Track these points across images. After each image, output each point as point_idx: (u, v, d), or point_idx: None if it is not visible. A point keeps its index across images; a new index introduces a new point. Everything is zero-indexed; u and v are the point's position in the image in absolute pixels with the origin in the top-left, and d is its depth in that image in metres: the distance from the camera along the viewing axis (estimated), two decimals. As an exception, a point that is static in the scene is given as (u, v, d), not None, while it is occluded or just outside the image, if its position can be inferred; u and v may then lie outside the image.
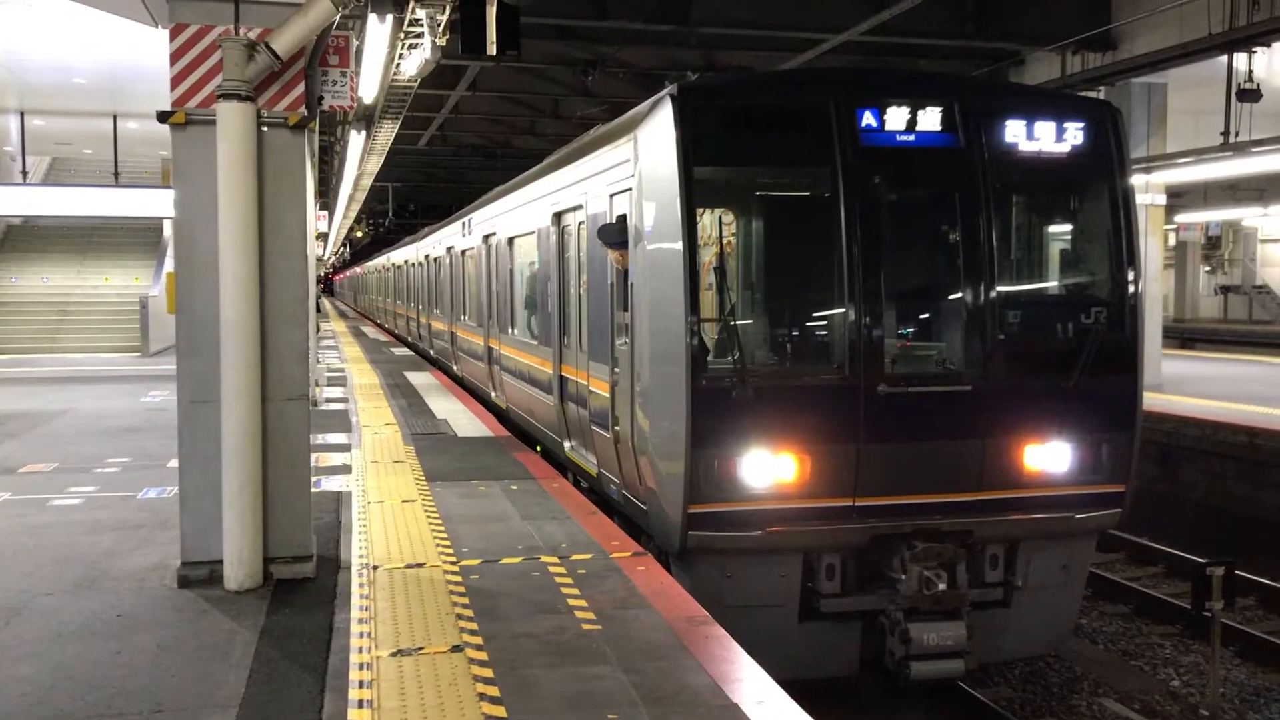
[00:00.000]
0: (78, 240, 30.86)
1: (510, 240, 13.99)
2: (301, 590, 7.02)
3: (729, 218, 8.26)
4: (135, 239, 31.05)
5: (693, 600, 6.60)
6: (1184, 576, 11.68)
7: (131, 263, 30.43)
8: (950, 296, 7.99)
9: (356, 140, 19.67)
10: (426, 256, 25.04)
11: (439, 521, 8.60)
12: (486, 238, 15.83)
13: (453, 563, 7.41)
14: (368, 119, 17.96)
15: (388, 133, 19.70)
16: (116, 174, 24.31)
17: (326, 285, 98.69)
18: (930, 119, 7.82)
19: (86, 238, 30.98)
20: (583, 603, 6.52)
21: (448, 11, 9.70)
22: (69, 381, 20.31)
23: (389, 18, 9.90)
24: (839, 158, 7.62)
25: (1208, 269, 46.50)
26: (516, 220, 13.45)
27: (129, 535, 8.45)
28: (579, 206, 9.97)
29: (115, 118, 21.19)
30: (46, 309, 28.49)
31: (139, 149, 25.20)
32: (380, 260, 43.62)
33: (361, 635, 5.99)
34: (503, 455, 11.68)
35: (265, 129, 7.03)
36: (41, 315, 28.19)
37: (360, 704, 5.08)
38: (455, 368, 20.25)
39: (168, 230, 29.13)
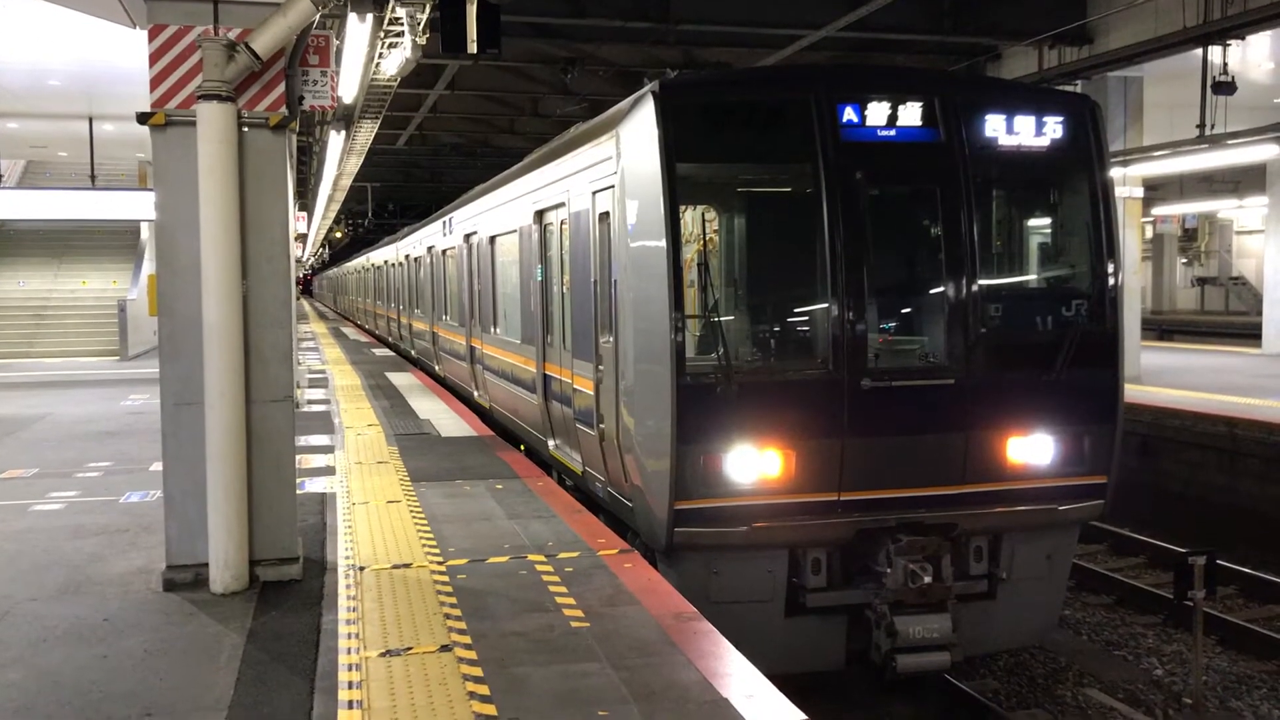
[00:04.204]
0: (54, 244, 30.63)
1: (492, 239, 13.96)
2: (288, 592, 7.00)
3: (711, 214, 8.27)
4: (113, 242, 30.84)
5: (680, 596, 6.62)
6: (1165, 566, 11.77)
7: (109, 266, 30.25)
8: (932, 290, 8.03)
9: (336, 140, 19.57)
10: (407, 256, 24.97)
11: (424, 522, 8.59)
12: (468, 237, 15.79)
13: (439, 563, 7.40)
14: (347, 119, 17.89)
15: (367, 132, 19.62)
16: (93, 176, 24.13)
17: (305, 286, 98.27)
18: (911, 114, 7.86)
19: (63, 241, 30.76)
20: (571, 600, 6.53)
21: (428, 10, 9.67)
22: (47, 386, 20.17)
23: (369, 17, 9.86)
24: (820, 153, 7.65)
25: (1184, 261, 46.89)
26: (498, 219, 13.43)
27: (113, 540, 8.41)
28: (561, 204, 9.96)
29: (91, 120, 21.02)
30: (23, 313, 28.28)
31: (115, 151, 25.02)
32: (360, 261, 43.45)
33: (350, 636, 5.97)
34: (487, 455, 11.67)
35: (246, 130, 7.00)
36: (18, 320, 27.98)
37: (350, 704, 5.07)
38: (437, 368, 20.20)
39: (145, 233, 28.96)
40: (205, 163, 6.76)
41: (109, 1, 9.21)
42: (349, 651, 5.74)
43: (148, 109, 6.99)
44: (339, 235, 63.53)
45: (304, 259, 60.55)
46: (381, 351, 28.79)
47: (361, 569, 7.28)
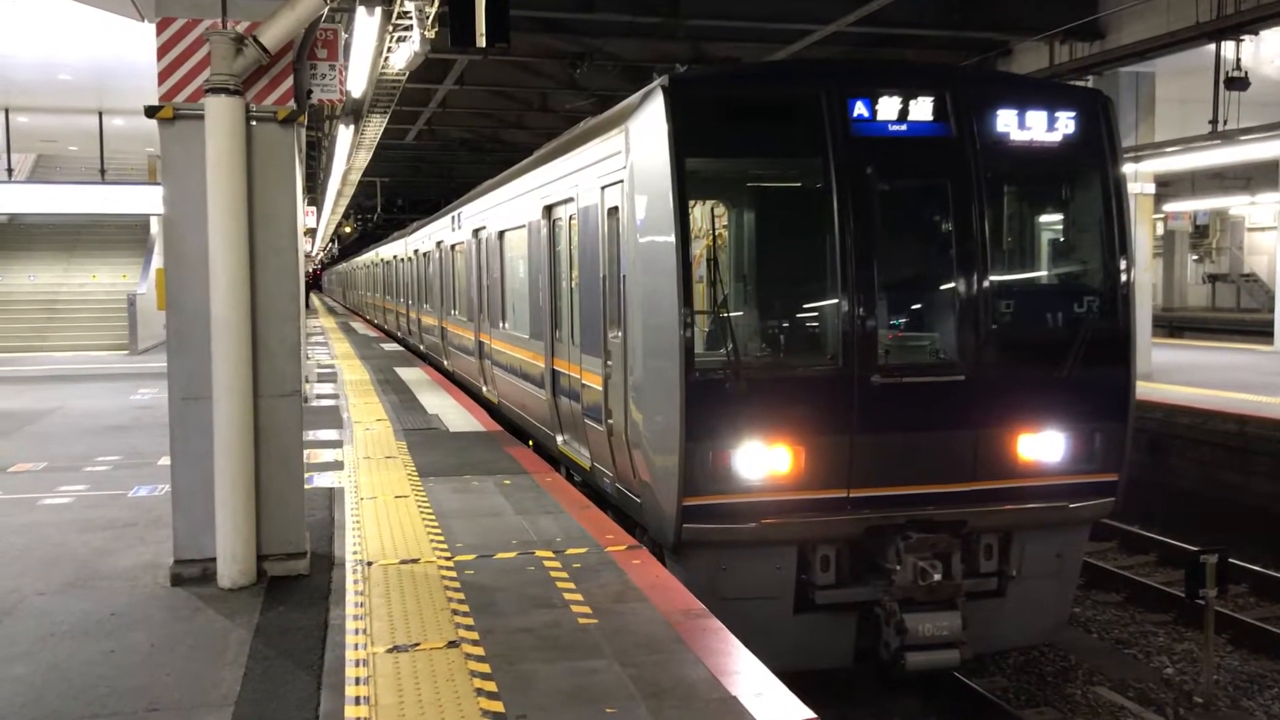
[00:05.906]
0: (64, 238, 30.70)
1: (501, 234, 13.95)
2: (295, 587, 6.98)
3: (721, 209, 8.23)
4: (122, 236, 30.90)
5: (688, 593, 6.59)
6: (1176, 564, 11.72)
7: (119, 260, 30.29)
8: (943, 286, 7.98)
9: (345, 135, 19.58)
10: (416, 251, 24.97)
11: (432, 517, 8.58)
12: (476, 232, 15.78)
13: (447, 558, 7.39)
14: (356, 113, 17.88)
15: (376, 127, 19.63)
16: (103, 171, 24.16)
17: (314, 281, 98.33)
18: (922, 109, 7.81)
19: (73, 235, 30.83)
20: (579, 597, 6.51)
21: (436, 4, 9.65)
22: (57, 380, 20.21)
23: (377, 10, 9.86)
24: (830, 148, 7.60)
25: (1195, 258, 46.63)
26: (507, 214, 13.40)
27: (121, 534, 8.40)
28: (570, 199, 9.94)
29: (101, 114, 21.05)
30: (34, 307, 28.34)
31: (125, 145, 25.04)
32: (369, 256, 43.50)
33: (357, 632, 5.96)
34: (495, 450, 11.65)
35: (254, 123, 6.97)
36: (29, 314, 28.05)
37: (357, 700, 5.06)
38: (446, 363, 20.20)
39: (155, 227, 28.99)
40: (213, 156, 6.73)
41: (118, -5, 9.20)
42: (356, 647, 5.73)
43: (156, 103, 6.98)
44: (348, 230, 63.54)
45: (313, 254, 60.60)
46: (390, 346, 28.80)
47: (369, 564, 7.26)
